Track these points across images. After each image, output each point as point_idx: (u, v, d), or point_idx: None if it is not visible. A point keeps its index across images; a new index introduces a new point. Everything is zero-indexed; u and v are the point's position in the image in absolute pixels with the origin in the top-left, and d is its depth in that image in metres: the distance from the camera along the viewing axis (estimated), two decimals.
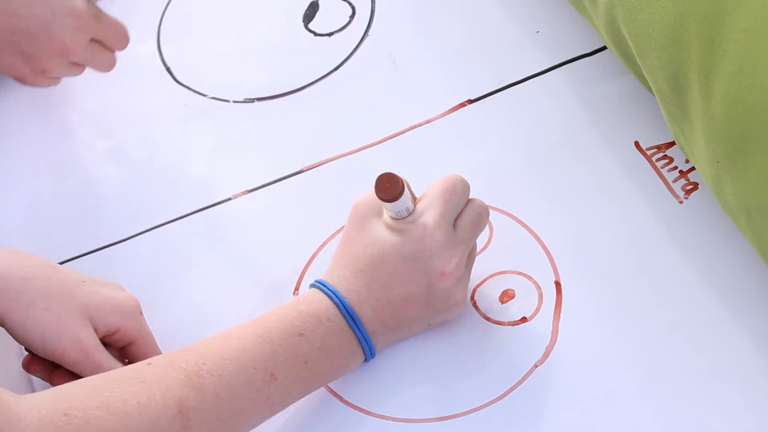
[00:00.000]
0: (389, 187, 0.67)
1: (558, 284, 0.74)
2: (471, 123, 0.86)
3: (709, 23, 0.63)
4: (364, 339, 0.69)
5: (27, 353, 0.72)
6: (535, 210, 0.78)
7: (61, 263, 0.83)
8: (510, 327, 0.73)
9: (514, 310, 0.74)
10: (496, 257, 0.76)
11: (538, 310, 0.73)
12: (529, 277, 0.75)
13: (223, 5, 1.01)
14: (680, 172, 0.78)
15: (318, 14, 0.97)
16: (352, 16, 0.96)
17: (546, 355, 0.71)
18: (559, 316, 0.73)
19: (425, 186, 0.72)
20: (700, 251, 0.73)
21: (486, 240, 0.78)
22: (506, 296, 0.75)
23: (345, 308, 0.68)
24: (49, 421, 0.57)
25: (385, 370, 0.72)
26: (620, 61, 0.79)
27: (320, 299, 0.68)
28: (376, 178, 0.67)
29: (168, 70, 0.97)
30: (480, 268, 0.74)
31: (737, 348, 0.69)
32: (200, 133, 0.92)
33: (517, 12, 0.91)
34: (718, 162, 0.65)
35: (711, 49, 0.63)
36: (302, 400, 0.69)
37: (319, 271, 0.75)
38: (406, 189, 0.68)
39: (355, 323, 0.68)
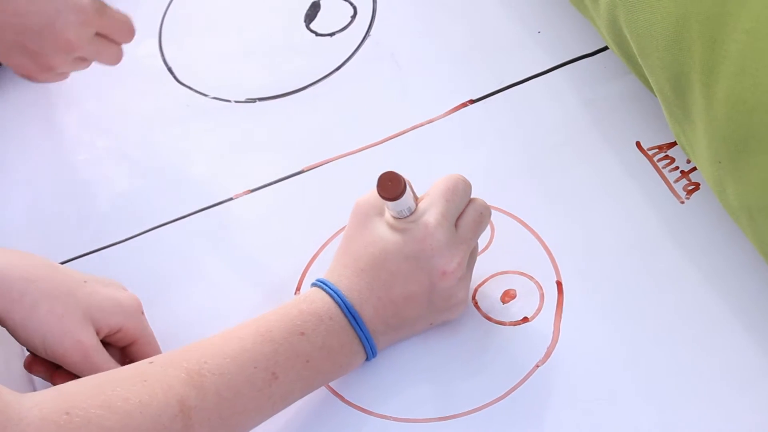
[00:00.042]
0: (391, 186, 0.67)
1: (559, 284, 0.74)
2: (472, 123, 0.86)
3: (711, 24, 0.63)
4: (366, 338, 0.69)
5: (29, 353, 0.72)
6: (537, 210, 0.78)
7: (62, 263, 0.83)
8: (511, 327, 0.73)
9: (515, 310, 0.74)
10: (498, 257, 0.76)
11: (539, 310, 0.73)
12: (531, 277, 0.75)
13: (224, 5, 1.01)
14: (682, 172, 0.78)
15: (319, 14, 0.97)
16: (353, 16, 0.96)
17: (547, 355, 0.71)
18: (560, 316, 0.73)
19: (427, 186, 0.72)
20: (702, 251, 0.73)
21: (487, 240, 0.78)
22: (507, 296, 0.75)
23: (346, 307, 0.68)
24: (50, 420, 0.56)
25: (387, 369, 0.72)
26: (622, 61, 0.79)
27: (322, 298, 0.68)
28: (378, 176, 0.67)
29: (169, 70, 0.97)
30: (481, 268, 0.74)
31: (739, 348, 0.69)
32: (202, 133, 0.92)
33: (518, 12, 0.91)
34: (719, 162, 0.65)
35: (713, 49, 0.63)
36: (304, 400, 0.69)
37: (320, 270, 0.75)
38: (408, 188, 0.68)
39: (357, 322, 0.68)
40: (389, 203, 0.68)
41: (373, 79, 0.91)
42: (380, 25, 0.95)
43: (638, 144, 0.80)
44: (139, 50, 0.94)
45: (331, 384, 0.72)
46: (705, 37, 0.63)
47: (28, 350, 0.71)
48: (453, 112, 0.87)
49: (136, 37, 0.85)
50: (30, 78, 0.82)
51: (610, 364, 0.70)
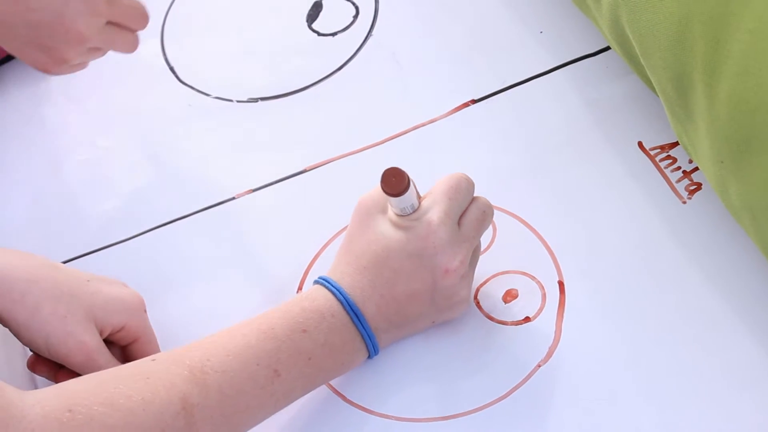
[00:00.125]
0: (395, 182, 0.67)
1: (561, 284, 0.74)
2: (474, 123, 0.86)
3: (714, 24, 0.63)
4: (368, 335, 0.69)
5: (32, 353, 0.72)
6: (539, 210, 0.79)
7: (64, 263, 0.83)
8: (513, 327, 0.73)
9: (517, 309, 0.74)
10: (499, 257, 0.76)
11: (541, 309, 0.73)
12: (533, 277, 0.75)
13: (226, 5, 1.01)
14: (684, 172, 0.78)
15: (321, 14, 0.97)
16: (355, 16, 0.96)
17: (549, 354, 0.71)
18: (562, 316, 0.73)
19: (429, 186, 0.72)
20: (704, 251, 0.73)
21: (489, 240, 0.78)
22: (509, 296, 0.75)
23: (348, 305, 0.68)
24: (53, 418, 0.57)
25: (388, 369, 0.72)
26: (624, 61, 0.79)
27: (324, 295, 0.68)
28: (382, 172, 0.67)
29: (171, 69, 0.97)
30: (483, 268, 0.75)
31: (741, 348, 0.69)
32: (204, 132, 0.92)
33: (520, 12, 0.92)
34: (722, 162, 0.65)
35: (716, 49, 0.63)
36: (305, 399, 0.69)
37: (322, 269, 0.75)
38: (411, 185, 0.68)
39: (359, 320, 0.68)
40: (393, 200, 0.68)
41: (375, 79, 0.91)
42: (382, 25, 0.95)
43: (640, 144, 0.80)
44: (141, 50, 0.94)
45: (332, 383, 0.72)
46: (708, 37, 0.64)
47: (31, 350, 0.71)
48: (455, 111, 0.87)
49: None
50: (46, 72, 0.82)
51: (611, 363, 0.70)
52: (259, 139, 0.90)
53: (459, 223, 0.70)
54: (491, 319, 0.74)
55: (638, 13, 0.69)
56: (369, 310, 0.69)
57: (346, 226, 0.73)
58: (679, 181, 0.77)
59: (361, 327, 0.68)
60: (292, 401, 0.67)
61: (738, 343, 0.69)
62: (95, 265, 0.83)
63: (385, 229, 0.70)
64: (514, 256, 0.76)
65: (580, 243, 0.76)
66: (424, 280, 0.69)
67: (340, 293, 0.68)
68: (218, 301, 0.79)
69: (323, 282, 0.69)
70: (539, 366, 0.71)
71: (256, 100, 0.93)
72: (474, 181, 0.72)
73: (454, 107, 0.87)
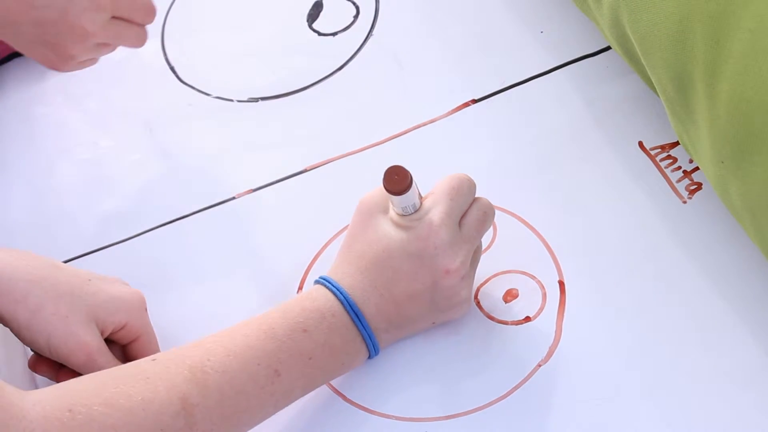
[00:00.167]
0: (397, 180, 0.67)
1: (561, 284, 0.74)
2: (475, 123, 0.86)
3: (714, 23, 0.63)
4: (368, 336, 0.69)
5: (33, 353, 0.72)
6: (539, 209, 0.78)
7: (65, 262, 0.83)
8: (513, 326, 0.73)
9: (517, 309, 0.74)
10: (500, 256, 0.76)
11: (541, 309, 0.73)
12: (533, 277, 0.75)
13: (226, 5, 1.01)
14: (684, 172, 0.78)
15: (322, 14, 0.97)
16: (356, 16, 0.96)
17: (549, 354, 0.71)
18: (562, 316, 0.73)
19: (429, 185, 0.72)
20: (704, 251, 0.73)
21: (489, 239, 0.78)
22: (510, 296, 0.75)
23: (349, 305, 0.68)
24: (53, 418, 0.57)
25: (389, 369, 0.72)
26: (624, 61, 0.79)
27: (324, 295, 0.68)
28: (384, 170, 0.67)
29: (172, 69, 0.97)
30: (483, 268, 0.74)
31: (741, 348, 0.69)
32: (204, 132, 0.92)
33: (521, 12, 0.91)
34: (722, 162, 0.65)
35: (716, 49, 0.63)
36: (306, 398, 0.69)
37: (322, 269, 0.75)
38: (413, 184, 0.68)
39: (359, 319, 0.68)
40: (394, 199, 0.68)
41: (376, 79, 0.91)
42: (383, 24, 0.95)
43: (641, 144, 0.80)
44: (141, 50, 0.94)
45: (333, 383, 0.72)
46: (708, 36, 0.64)
47: (32, 350, 0.71)
48: (455, 111, 0.87)
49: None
50: (55, 69, 0.81)
51: (612, 363, 0.70)
52: (259, 139, 0.90)
53: (460, 223, 0.70)
54: (491, 318, 0.74)
55: (639, 12, 0.69)
56: (369, 310, 0.69)
57: (347, 226, 0.73)
58: (679, 180, 0.77)
59: (361, 327, 0.68)
60: (292, 401, 0.67)
61: (738, 343, 0.69)
62: (95, 265, 0.83)
63: (387, 229, 0.70)
64: (514, 255, 0.76)
65: (580, 243, 0.76)
66: (424, 280, 0.69)
67: (341, 293, 0.68)
68: (218, 300, 0.79)
69: (324, 282, 0.69)
70: (539, 366, 0.71)
71: (256, 99, 0.93)
72: (474, 180, 0.72)
73: (454, 107, 0.87)
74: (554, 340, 0.72)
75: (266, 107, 0.92)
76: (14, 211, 0.89)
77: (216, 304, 0.79)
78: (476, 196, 0.72)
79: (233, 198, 0.86)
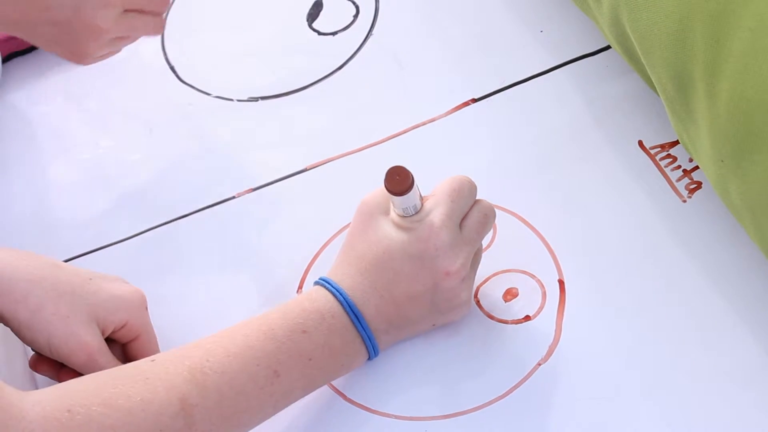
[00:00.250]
0: (399, 180, 0.67)
1: (561, 283, 0.74)
2: (475, 122, 0.86)
3: (715, 22, 0.63)
4: (368, 337, 0.69)
5: (34, 353, 0.72)
6: (539, 208, 0.78)
7: (65, 261, 0.83)
8: (513, 325, 0.73)
9: (517, 308, 0.74)
10: (500, 256, 0.76)
11: (541, 308, 0.73)
12: (533, 276, 0.75)
13: (226, 4, 1.01)
14: (684, 171, 0.78)
15: (322, 13, 0.97)
16: (356, 16, 0.96)
17: (549, 353, 0.71)
18: (562, 315, 0.73)
19: (428, 184, 0.72)
20: (704, 250, 0.73)
21: (489, 239, 0.78)
22: (509, 295, 0.75)
23: (349, 306, 0.68)
24: (53, 418, 0.57)
25: (389, 368, 0.72)
26: (624, 60, 0.79)
27: (324, 296, 0.68)
28: (385, 171, 0.67)
29: (172, 69, 0.97)
30: (483, 267, 0.74)
31: (741, 347, 0.69)
32: (204, 132, 0.92)
33: (520, 11, 0.91)
34: (722, 161, 0.65)
35: (716, 48, 0.63)
36: (306, 398, 0.69)
37: (322, 269, 0.75)
38: (415, 184, 0.68)
39: (359, 321, 0.68)
40: (395, 199, 0.68)
41: (375, 78, 0.91)
42: (382, 24, 0.95)
43: (640, 143, 0.80)
44: (141, 50, 0.94)
45: (334, 383, 0.72)
46: (708, 35, 0.64)
47: (33, 349, 0.71)
48: (455, 111, 0.87)
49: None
50: (78, 63, 0.82)
51: (611, 362, 0.70)
52: (259, 139, 0.90)
53: (461, 225, 0.70)
54: (491, 317, 0.74)
55: (639, 11, 0.69)
56: (369, 311, 0.69)
57: (346, 226, 0.73)
58: (679, 179, 0.77)
59: (361, 328, 0.68)
60: (291, 402, 0.67)
61: (738, 342, 0.69)
62: (95, 265, 0.83)
63: (387, 231, 0.69)
64: (514, 254, 0.77)
65: (580, 242, 0.76)
66: (424, 282, 0.69)
67: (341, 294, 0.68)
68: (218, 300, 0.79)
69: (324, 283, 0.69)
70: (539, 365, 0.71)
71: (256, 99, 0.93)
72: (474, 179, 0.72)
73: (454, 106, 0.87)
74: (554, 339, 0.72)
75: (266, 107, 0.92)
76: (14, 211, 0.89)
77: (215, 304, 0.79)
78: (477, 197, 0.72)
79: (233, 197, 0.86)
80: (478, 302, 0.75)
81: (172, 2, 1.03)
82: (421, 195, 0.70)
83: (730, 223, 0.72)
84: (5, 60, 0.98)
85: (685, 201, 0.76)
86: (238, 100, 0.93)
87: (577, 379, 0.70)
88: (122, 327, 0.72)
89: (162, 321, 0.75)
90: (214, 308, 0.79)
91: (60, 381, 0.69)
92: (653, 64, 0.70)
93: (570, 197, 0.79)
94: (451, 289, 0.69)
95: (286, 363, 0.65)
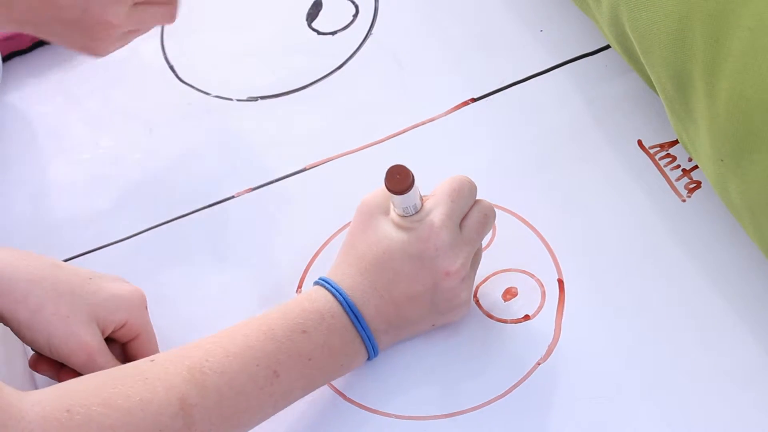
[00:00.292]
0: (399, 179, 0.67)
1: (561, 282, 0.74)
2: (474, 122, 0.86)
3: (714, 21, 0.63)
4: (367, 337, 0.69)
5: (33, 353, 0.72)
6: (538, 208, 0.79)
7: (65, 261, 0.83)
8: (513, 325, 0.73)
9: (516, 308, 0.74)
10: (499, 255, 0.76)
11: (540, 308, 0.73)
12: (532, 275, 0.75)
13: (226, 4, 1.01)
14: (683, 170, 0.78)
15: (321, 13, 0.97)
16: (355, 15, 0.96)
17: (549, 352, 0.71)
18: (561, 314, 0.73)
19: (428, 184, 0.72)
20: (703, 249, 0.73)
21: (489, 238, 0.78)
22: (509, 294, 0.75)
23: (348, 306, 0.68)
24: (52, 418, 0.57)
25: (388, 368, 0.72)
26: (624, 59, 0.79)
27: (324, 296, 0.68)
28: (386, 170, 0.67)
29: (171, 68, 0.97)
30: (483, 266, 0.74)
31: (741, 346, 0.69)
32: (204, 131, 0.92)
33: (520, 11, 0.91)
34: (722, 160, 0.65)
35: (715, 47, 0.63)
36: (307, 398, 0.69)
37: (321, 269, 0.75)
38: (415, 183, 0.68)
39: (359, 321, 0.68)
40: (396, 198, 0.68)
41: (375, 78, 0.91)
42: (382, 23, 0.95)
43: (640, 142, 0.80)
44: (141, 49, 0.94)
45: (334, 383, 0.72)
46: (707, 34, 0.64)
47: (33, 349, 0.71)
48: (454, 110, 0.87)
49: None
50: (95, 57, 0.82)
51: (610, 361, 0.70)
52: (258, 138, 0.90)
53: (461, 225, 0.70)
54: (491, 317, 0.74)
55: (638, 11, 0.69)
56: (369, 311, 0.69)
57: (346, 226, 0.73)
58: (678, 179, 0.77)
59: (360, 329, 0.68)
60: (291, 402, 0.67)
61: (738, 342, 0.69)
62: (95, 265, 0.83)
63: (387, 231, 0.69)
64: (513, 254, 0.77)
65: (579, 241, 0.76)
66: (424, 282, 0.69)
67: (340, 294, 0.68)
68: (217, 300, 0.79)
69: (323, 283, 0.69)
70: (539, 364, 0.71)
71: (256, 98, 0.93)
72: (474, 179, 0.72)
73: (453, 106, 0.87)
74: (553, 338, 0.72)
75: (265, 106, 0.92)
76: (14, 211, 0.89)
77: (214, 304, 0.79)
78: (477, 197, 0.72)
79: (233, 197, 0.86)
80: (477, 302, 0.75)
81: None
82: (421, 195, 0.70)
83: (730, 223, 0.72)
84: (5, 59, 0.98)
85: (684, 200, 0.76)
86: (238, 100, 0.93)
87: (576, 378, 0.70)
88: (122, 326, 0.72)
89: (162, 321, 0.75)
90: (213, 308, 0.79)
91: (60, 381, 0.70)
92: (653, 64, 0.70)
93: (569, 197, 0.79)
94: (451, 289, 0.69)
95: (286, 363, 0.65)
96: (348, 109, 0.89)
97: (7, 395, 0.57)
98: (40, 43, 0.98)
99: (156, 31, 1.00)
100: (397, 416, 0.71)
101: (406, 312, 0.70)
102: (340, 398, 0.72)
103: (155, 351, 0.74)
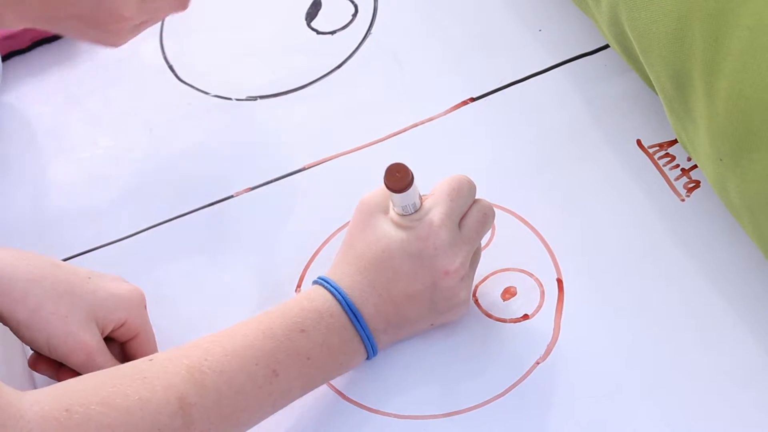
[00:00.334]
0: (399, 177, 0.67)
1: (560, 281, 0.74)
2: (473, 121, 0.86)
3: (713, 20, 0.63)
4: (366, 336, 0.69)
5: (33, 352, 0.72)
6: (537, 207, 0.79)
7: (64, 260, 0.83)
8: (512, 324, 0.73)
9: (516, 307, 0.74)
10: (498, 255, 0.76)
11: (539, 307, 0.73)
12: (531, 275, 0.75)
13: (225, 4, 1.01)
14: (682, 170, 0.78)
15: (320, 12, 0.97)
16: (354, 15, 0.96)
17: (548, 352, 0.71)
18: (560, 314, 0.73)
19: (427, 183, 0.72)
20: (702, 249, 0.73)
21: (488, 238, 0.78)
22: (508, 293, 0.75)
23: (347, 305, 0.68)
24: (51, 417, 0.57)
25: (387, 367, 0.72)
26: (623, 59, 0.79)
27: (323, 295, 0.68)
28: (385, 168, 0.67)
29: (171, 68, 0.97)
30: (482, 266, 0.74)
31: (740, 346, 0.69)
32: (203, 131, 0.92)
33: (519, 10, 0.91)
34: (721, 159, 0.65)
35: (715, 46, 0.63)
36: (306, 398, 0.69)
37: (320, 268, 0.75)
38: (414, 181, 0.68)
39: (358, 320, 0.68)
40: (395, 197, 0.68)
41: (374, 77, 0.91)
42: (381, 23, 0.95)
43: (639, 142, 0.80)
44: (140, 49, 0.94)
45: (334, 383, 0.72)
46: (706, 34, 0.64)
47: (32, 349, 0.71)
48: (453, 110, 0.87)
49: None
50: (111, 47, 0.82)
51: (610, 361, 0.70)
52: (258, 138, 0.90)
53: (460, 224, 0.70)
54: (490, 316, 0.74)
55: (637, 10, 0.69)
56: (368, 310, 0.69)
57: (344, 225, 0.73)
58: (677, 178, 0.77)
59: (359, 328, 0.68)
60: (290, 401, 0.67)
61: (737, 341, 0.69)
62: (94, 264, 0.83)
63: (387, 230, 0.70)
64: (512, 253, 0.77)
65: (578, 241, 0.76)
66: (423, 281, 0.69)
67: (339, 294, 0.68)
68: (216, 299, 0.79)
69: (322, 282, 0.69)
70: (537, 363, 0.71)
71: (255, 98, 0.93)
72: (473, 178, 0.72)
73: (452, 105, 0.87)
74: (552, 338, 0.72)
75: (265, 106, 0.92)
76: (14, 211, 0.89)
77: (214, 302, 0.79)
78: (476, 196, 0.72)
79: (232, 196, 0.86)
80: (476, 301, 0.75)
81: None
82: (420, 194, 0.70)
83: (729, 222, 0.72)
84: (4, 59, 0.98)
85: (683, 200, 0.76)
86: (237, 99, 0.93)
87: (575, 378, 0.70)
88: (121, 326, 0.72)
89: (161, 320, 0.75)
90: (212, 307, 0.79)
91: (59, 380, 0.70)
92: (652, 63, 0.70)
93: (568, 196, 0.79)
94: (450, 288, 0.69)
95: (285, 362, 0.65)
96: (347, 109, 0.89)
97: (6, 395, 0.56)
98: (39, 43, 0.98)
99: (156, 30, 1.00)
100: (396, 416, 0.71)
101: (405, 311, 0.70)
102: (340, 398, 0.72)
103: (154, 350, 0.74)
